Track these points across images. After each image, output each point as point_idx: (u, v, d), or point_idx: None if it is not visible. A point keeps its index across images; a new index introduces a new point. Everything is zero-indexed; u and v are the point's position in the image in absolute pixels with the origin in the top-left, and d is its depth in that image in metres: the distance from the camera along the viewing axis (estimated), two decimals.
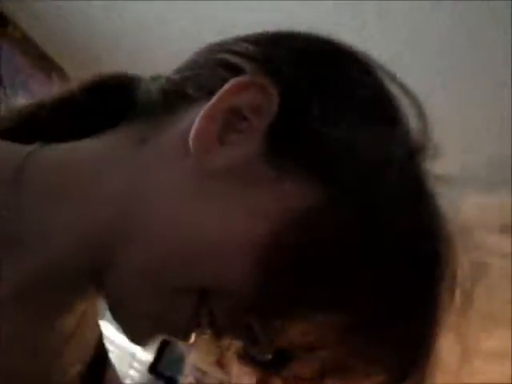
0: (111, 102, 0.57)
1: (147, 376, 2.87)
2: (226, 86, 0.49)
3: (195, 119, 0.49)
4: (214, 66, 0.53)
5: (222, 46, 0.54)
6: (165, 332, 0.52)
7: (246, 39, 0.54)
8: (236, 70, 0.50)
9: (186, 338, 0.51)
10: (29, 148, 0.53)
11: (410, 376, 0.49)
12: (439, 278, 0.49)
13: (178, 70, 0.56)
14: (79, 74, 0.61)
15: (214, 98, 0.49)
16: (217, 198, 0.48)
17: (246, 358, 0.52)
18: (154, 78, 0.57)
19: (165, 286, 0.48)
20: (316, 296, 0.47)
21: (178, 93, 0.53)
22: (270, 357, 0.49)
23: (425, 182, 0.50)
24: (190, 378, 2.88)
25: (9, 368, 0.49)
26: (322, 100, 0.49)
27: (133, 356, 2.88)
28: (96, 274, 0.50)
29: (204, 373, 2.88)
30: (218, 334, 0.51)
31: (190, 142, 0.49)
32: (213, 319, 0.50)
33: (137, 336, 0.52)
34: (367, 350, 0.48)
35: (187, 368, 2.88)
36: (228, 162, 0.49)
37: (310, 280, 0.46)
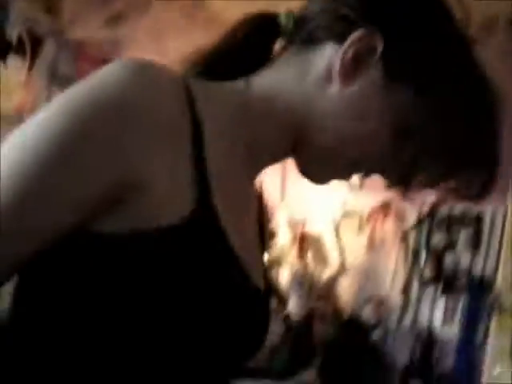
0: (265, 38, 0.87)
1: None
2: (353, 36, 0.77)
3: (333, 57, 0.79)
4: (335, 18, 0.80)
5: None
6: (338, 177, 0.87)
7: None
8: (351, 23, 0.79)
9: (349, 178, 0.88)
10: (238, 84, 0.83)
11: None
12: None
13: (306, 16, 0.84)
14: None
15: (346, 45, 0.78)
16: (360, 105, 0.80)
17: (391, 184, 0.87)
18: (288, 16, 0.86)
19: (340, 155, 0.83)
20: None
21: (311, 35, 0.82)
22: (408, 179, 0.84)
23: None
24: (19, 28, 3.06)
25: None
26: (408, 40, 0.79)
27: None
28: (292, 148, 0.84)
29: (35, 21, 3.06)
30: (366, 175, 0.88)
31: (337, 74, 0.79)
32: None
33: (321, 181, 0.87)
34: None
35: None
36: (362, 84, 0.79)
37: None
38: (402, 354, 3.63)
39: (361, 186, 3.82)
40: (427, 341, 3.58)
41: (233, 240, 0.72)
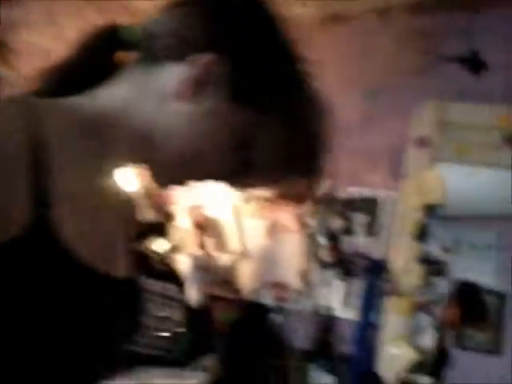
0: (105, 53, 0.90)
1: None
2: (198, 60, 0.84)
3: (177, 77, 0.84)
4: (181, 40, 0.86)
5: (182, 20, 0.87)
6: (184, 184, 0.92)
7: (200, 15, 0.87)
8: (196, 46, 0.84)
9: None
10: (82, 98, 0.87)
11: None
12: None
13: (153, 33, 0.87)
14: None
15: (191, 67, 0.84)
16: (203, 124, 0.85)
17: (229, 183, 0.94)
18: (131, 30, 0.90)
19: (183, 168, 0.89)
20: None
21: (157, 53, 0.86)
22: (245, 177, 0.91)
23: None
24: None
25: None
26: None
27: None
28: (139, 157, 0.89)
29: None
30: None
31: (179, 94, 0.85)
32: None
33: (170, 187, 0.99)
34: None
35: None
36: (206, 105, 0.85)
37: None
38: (302, 337, 3.69)
39: None
40: (327, 324, 3.66)
41: (77, 244, 0.77)
